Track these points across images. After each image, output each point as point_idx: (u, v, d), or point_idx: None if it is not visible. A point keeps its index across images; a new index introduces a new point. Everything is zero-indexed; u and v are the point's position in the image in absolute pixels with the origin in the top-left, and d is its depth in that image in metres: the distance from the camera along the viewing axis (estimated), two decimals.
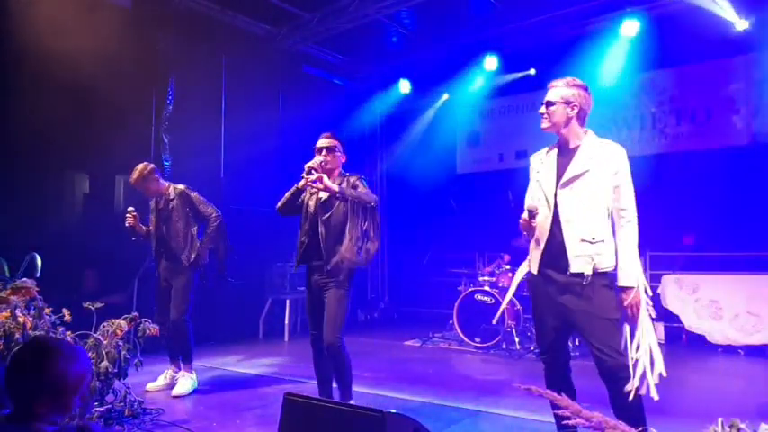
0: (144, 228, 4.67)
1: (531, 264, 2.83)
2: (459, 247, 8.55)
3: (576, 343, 6.19)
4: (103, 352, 3.38)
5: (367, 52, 8.88)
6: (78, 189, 6.45)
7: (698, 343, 6.28)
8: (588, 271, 2.61)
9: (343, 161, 3.73)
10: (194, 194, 4.67)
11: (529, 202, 2.88)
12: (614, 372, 2.55)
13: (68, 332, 3.26)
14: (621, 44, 7.35)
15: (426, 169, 9.07)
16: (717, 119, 7.25)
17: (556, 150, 2.86)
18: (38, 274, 3.85)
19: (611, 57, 7.51)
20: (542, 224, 2.75)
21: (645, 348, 2.56)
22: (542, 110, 2.79)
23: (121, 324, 3.52)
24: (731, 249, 6.69)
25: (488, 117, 9.25)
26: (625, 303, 2.61)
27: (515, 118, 8.91)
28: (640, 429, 1.37)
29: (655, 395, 2.48)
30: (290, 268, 7.65)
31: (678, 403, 3.73)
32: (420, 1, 6.97)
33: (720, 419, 1.46)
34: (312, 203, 3.58)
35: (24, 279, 3.25)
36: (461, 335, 6.52)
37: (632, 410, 2.50)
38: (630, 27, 7.06)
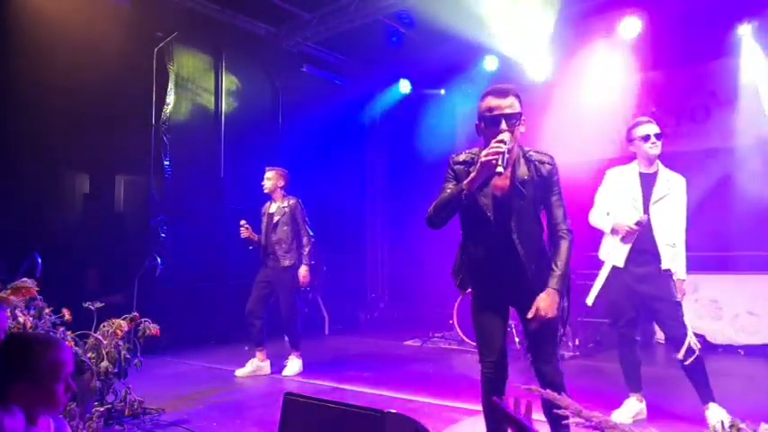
0: (256, 236, 5.16)
1: (617, 259, 3.59)
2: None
3: (576, 342, 6.19)
4: (104, 352, 3.39)
5: (367, 52, 8.86)
6: (78, 189, 6.44)
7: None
8: (674, 268, 3.51)
9: (523, 131, 2.55)
10: (303, 212, 5.20)
11: (602, 207, 3.71)
12: (679, 338, 3.42)
13: (69, 332, 3.26)
14: (621, 44, 7.34)
15: (426, 169, 9.06)
16: (717, 119, 7.24)
17: (637, 171, 3.62)
18: (38, 274, 3.85)
19: (611, 57, 7.50)
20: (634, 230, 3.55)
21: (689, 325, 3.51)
22: (653, 139, 3.54)
23: (122, 324, 3.52)
24: (731, 249, 6.68)
25: None
26: (680, 290, 3.55)
27: None
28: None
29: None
30: None
31: (678, 403, 3.73)
32: (420, 0, 6.96)
33: (721, 419, 1.46)
34: (488, 201, 2.56)
35: (24, 279, 3.24)
36: (461, 335, 6.51)
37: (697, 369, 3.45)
38: (630, 27, 7.06)
